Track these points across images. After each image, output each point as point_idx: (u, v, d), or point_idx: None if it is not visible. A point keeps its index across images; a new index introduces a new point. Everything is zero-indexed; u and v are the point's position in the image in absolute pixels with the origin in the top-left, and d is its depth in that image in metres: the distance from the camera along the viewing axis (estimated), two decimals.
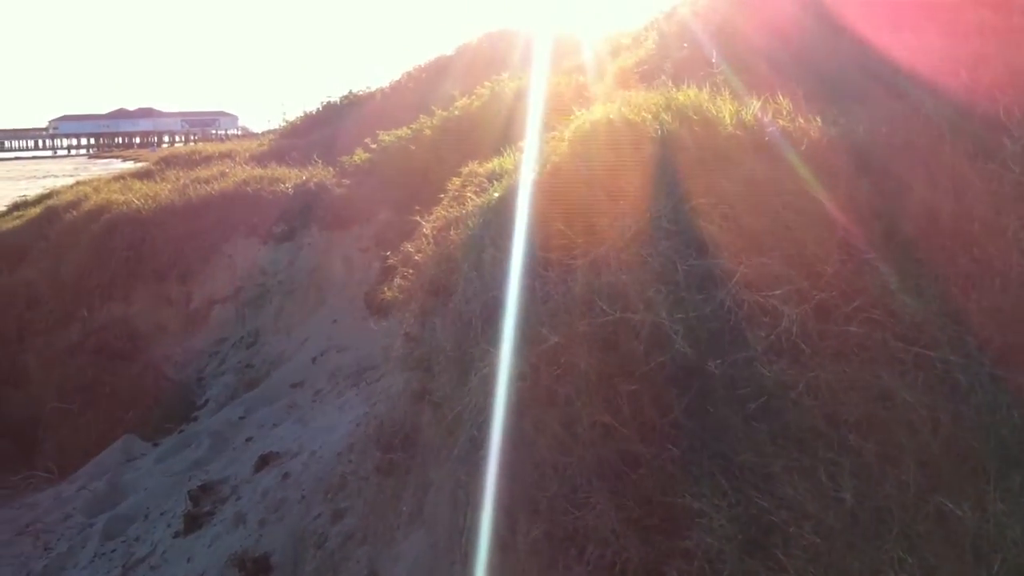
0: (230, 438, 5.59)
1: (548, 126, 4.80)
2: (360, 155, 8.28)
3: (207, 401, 6.61)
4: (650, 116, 3.58)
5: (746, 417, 2.10)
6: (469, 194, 3.96)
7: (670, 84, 4.37)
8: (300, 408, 5.68)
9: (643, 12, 8.43)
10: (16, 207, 13.85)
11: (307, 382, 6.12)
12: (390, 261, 4.80)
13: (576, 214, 3.26)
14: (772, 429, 2.04)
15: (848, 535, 1.86)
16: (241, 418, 5.84)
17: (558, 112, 5.61)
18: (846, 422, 2.00)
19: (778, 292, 2.25)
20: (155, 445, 6.20)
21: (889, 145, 2.72)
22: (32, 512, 5.95)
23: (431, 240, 3.97)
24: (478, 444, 2.93)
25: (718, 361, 2.21)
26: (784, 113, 3.01)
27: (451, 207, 4.15)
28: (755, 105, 3.09)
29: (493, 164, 4.44)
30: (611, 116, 3.79)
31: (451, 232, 3.72)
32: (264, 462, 4.77)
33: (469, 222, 3.66)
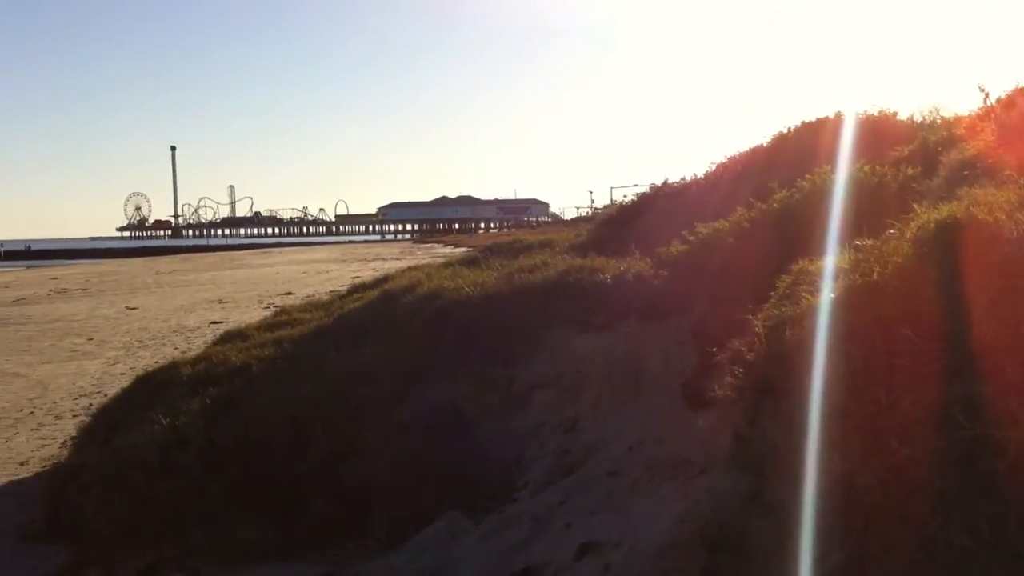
0: (550, 523, 5.74)
1: (876, 223, 4.66)
2: (676, 247, 8.38)
3: (526, 483, 6.83)
4: (1003, 215, 3.40)
5: None
6: (803, 293, 3.91)
7: (1020, 181, 4.15)
8: (617, 497, 5.74)
9: (973, 99, 8.02)
10: (356, 289, 15.14)
11: (623, 472, 6.18)
12: (718, 356, 4.79)
13: (923, 319, 3.14)
14: None
15: None
16: (560, 503, 5.98)
17: (886, 207, 5.45)
18: None
19: None
20: (477, 524, 6.45)
21: None
22: None
23: (762, 338, 3.95)
24: (817, 555, 2.85)
25: None
26: None
27: (783, 305, 4.11)
28: None
29: (825, 262, 4.37)
30: (958, 214, 3.64)
31: (785, 332, 3.69)
32: (584, 550, 4.86)
33: (805, 322, 3.61)
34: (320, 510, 7.54)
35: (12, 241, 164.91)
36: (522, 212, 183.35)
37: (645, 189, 15.78)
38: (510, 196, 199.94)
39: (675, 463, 5.86)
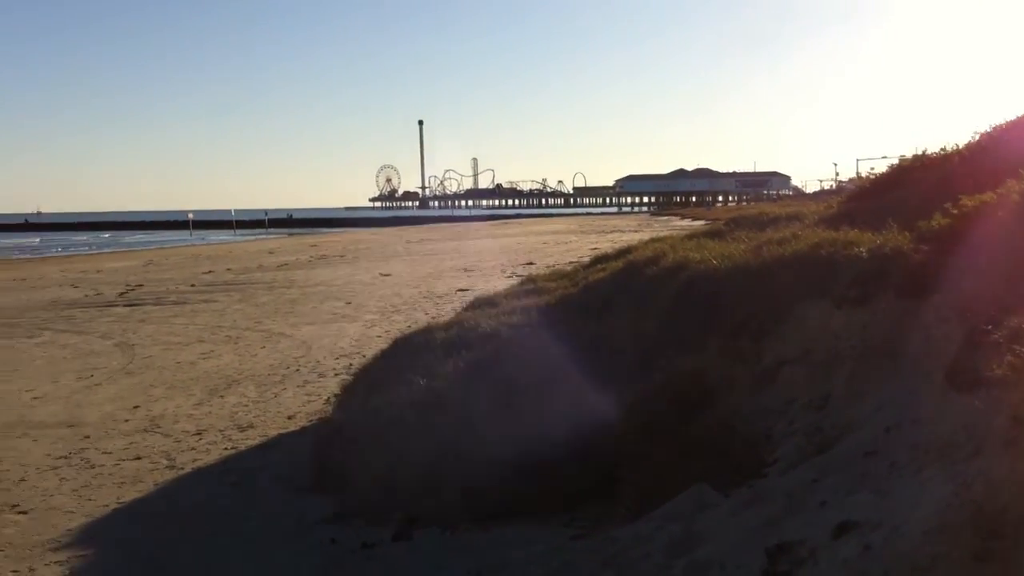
0: (803, 500, 5.64)
1: None
2: (939, 220, 7.95)
3: (776, 460, 6.73)
4: None
5: None
6: None
7: None
8: (876, 478, 5.56)
9: None
10: (598, 260, 15.31)
11: (881, 452, 5.97)
12: (992, 335, 4.55)
13: None
14: None
15: None
16: (814, 481, 5.87)
17: None
18: None
19: None
20: (726, 496, 6.43)
21: None
22: (613, 546, 6.49)
23: None
24: None
25: None
26: None
27: None
28: None
29: None
30: None
31: None
32: (842, 530, 4.76)
33: None
34: (568, 475, 7.74)
35: (276, 210, 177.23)
36: (761, 185, 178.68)
37: (895, 160, 15.04)
38: (749, 169, 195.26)
39: (939, 446, 5.60)
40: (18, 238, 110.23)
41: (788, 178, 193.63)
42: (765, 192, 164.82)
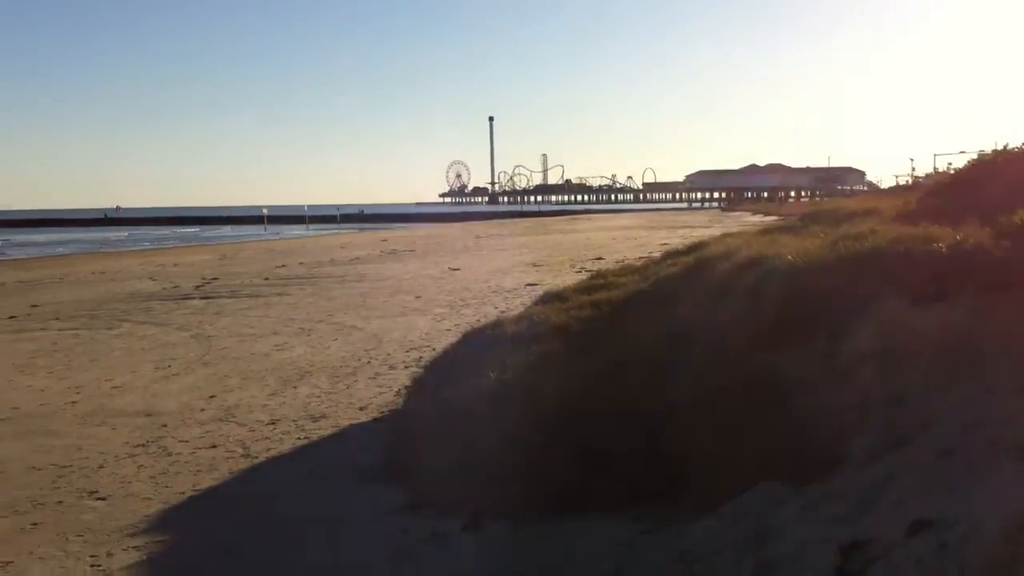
0: (877, 498, 5.57)
1: None
2: (1021, 215, 7.78)
3: (850, 456, 6.65)
4: None
5: None
6: None
7: None
8: (953, 476, 5.46)
9: None
10: (669, 255, 15.24)
11: (959, 451, 5.86)
12: None
13: None
14: None
15: None
16: (888, 479, 5.78)
17: None
18: None
19: None
20: (797, 493, 6.37)
21: None
22: (683, 541, 6.48)
23: None
24: None
25: None
26: None
27: None
28: None
29: None
30: None
31: None
32: (917, 528, 4.69)
33: None
34: (637, 468, 7.73)
35: (347, 205, 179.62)
36: (835, 181, 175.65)
37: (973, 156, 14.70)
38: (823, 164, 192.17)
39: (1019, 444, 5.49)
40: (105, 232, 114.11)
41: (863, 174, 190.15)
42: (839, 188, 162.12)
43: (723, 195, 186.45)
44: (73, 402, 14.30)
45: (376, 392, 13.95)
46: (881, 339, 7.75)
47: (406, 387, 12.58)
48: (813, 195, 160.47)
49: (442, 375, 11.11)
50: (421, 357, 16.15)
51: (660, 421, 8.20)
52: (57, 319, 24.78)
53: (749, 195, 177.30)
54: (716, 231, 31.12)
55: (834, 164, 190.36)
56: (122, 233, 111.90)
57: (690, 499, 7.28)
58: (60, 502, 9.43)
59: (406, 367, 15.59)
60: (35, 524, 8.78)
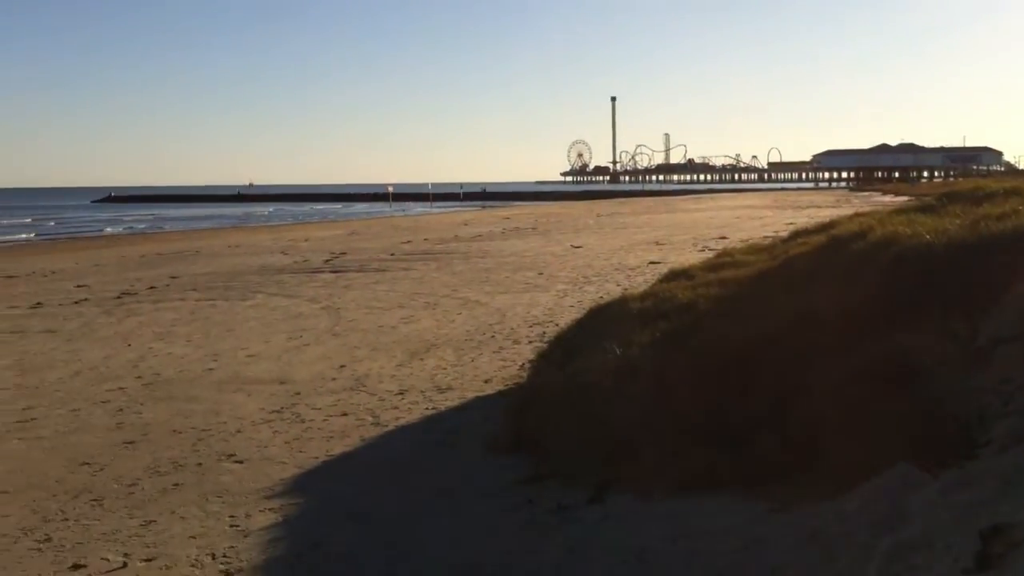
0: (1019, 483, 5.41)
1: None
2: None
3: (989, 441, 6.46)
4: None
5: None
6: None
7: None
8: None
9: None
10: (797, 234, 14.95)
11: None
12: None
13: None
14: None
15: None
16: None
17: None
18: None
19: None
20: (933, 477, 6.23)
21: None
22: (813, 522, 6.41)
23: None
24: None
25: None
26: None
27: None
28: None
29: None
30: None
31: None
32: None
33: None
34: (765, 448, 7.66)
35: (470, 184, 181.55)
36: (970, 161, 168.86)
37: None
38: (957, 144, 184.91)
39: None
40: (246, 208, 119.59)
41: (1000, 154, 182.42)
42: (974, 168, 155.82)
43: (851, 175, 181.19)
44: (211, 369, 14.95)
45: (500, 365, 14.15)
46: (1023, 321, 7.49)
47: (530, 361, 12.72)
48: (947, 175, 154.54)
49: (567, 349, 11.17)
50: (544, 332, 16.29)
51: (790, 401, 8.09)
52: (194, 290, 25.87)
53: (879, 175, 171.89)
54: (846, 211, 30.23)
55: (969, 144, 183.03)
56: (266, 209, 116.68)
57: (820, 480, 7.18)
58: (200, 464, 9.90)
59: (529, 342, 15.75)
60: (176, 485, 9.25)
